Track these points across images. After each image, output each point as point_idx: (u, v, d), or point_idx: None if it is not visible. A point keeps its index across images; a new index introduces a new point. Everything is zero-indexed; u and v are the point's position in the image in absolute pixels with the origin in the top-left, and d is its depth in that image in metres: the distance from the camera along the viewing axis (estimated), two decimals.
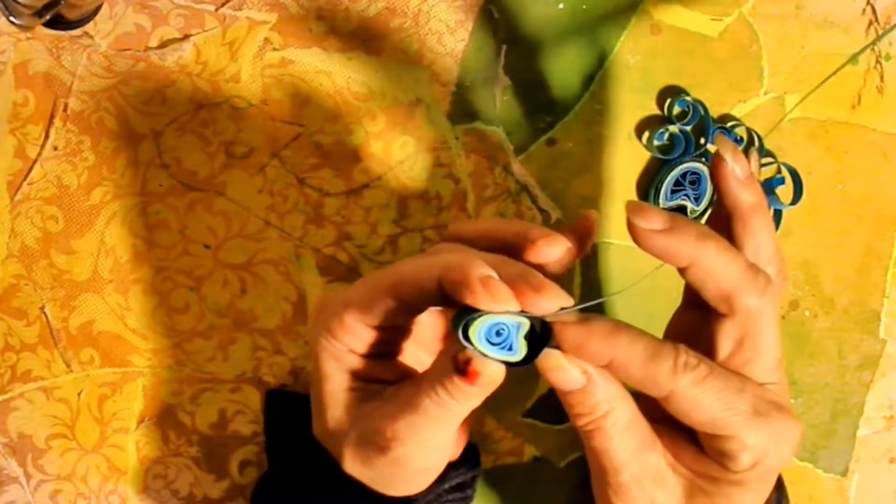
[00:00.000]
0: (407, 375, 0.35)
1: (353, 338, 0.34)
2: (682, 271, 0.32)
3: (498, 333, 0.30)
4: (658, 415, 0.34)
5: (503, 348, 0.30)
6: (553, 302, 0.30)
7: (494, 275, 0.30)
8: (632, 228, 0.32)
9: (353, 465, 0.35)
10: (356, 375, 0.35)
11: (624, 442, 0.32)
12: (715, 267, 0.32)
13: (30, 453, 0.46)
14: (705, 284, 0.32)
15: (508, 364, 0.30)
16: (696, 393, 0.31)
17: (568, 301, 0.30)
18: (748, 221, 0.34)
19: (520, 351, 0.30)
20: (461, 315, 0.30)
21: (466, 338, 0.30)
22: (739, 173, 0.34)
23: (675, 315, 0.38)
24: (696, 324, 0.34)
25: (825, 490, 0.50)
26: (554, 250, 0.32)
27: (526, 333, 0.31)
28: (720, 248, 0.32)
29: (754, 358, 0.33)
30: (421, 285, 0.31)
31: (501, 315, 0.30)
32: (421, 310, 0.33)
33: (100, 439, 0.46)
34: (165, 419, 0.46)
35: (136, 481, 0.46)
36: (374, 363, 0.35)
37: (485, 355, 0.30)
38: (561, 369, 0.31)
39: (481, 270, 0.30)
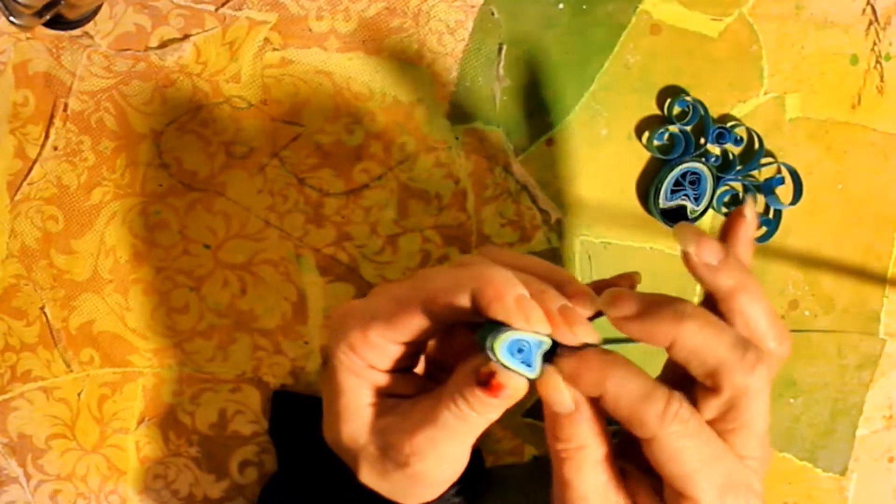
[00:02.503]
0: (424, 389, 0.35)
1: (375, 353, 0.33)
2: (667, 349, 0.32)
3: (520, 350, 0.31)
4: (631, 455, 0.34)
5: (522, 363, 0.31)
6: (582, 339, 0.31)
7: (528, 294, 0.30)
8: (609, 318, 0.32)
9: (369, 478, 0.34)
10: (375, 390, 0.34)
11: (590, 478, 0.32)
12: (696, 346, 0.31)
13: (30, 453, 0.46)
14: (688, 363, 0.31)
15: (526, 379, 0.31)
16: (679, 446, 0.31)
17: (595, 339, 0.31)
18: (731, 304, 0.33)
19: (537, 368, 0.31)
20: (488, 329, 0.30)
21: (492, 351, 0.30)
22: (710, 259, 0.32)
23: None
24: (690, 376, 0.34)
25: (824, 489, 0.50)
26: (585, 312, 0.32)
27: (544, 353, 0.31)
28: (701, 325, 0.31)
29: (737, 431, 0.32)
30: (453, 300, 0.31)
31: (527, 333, 0.30)
32: (447, 324, 0.33)
33: (100, 439, 0.46)
34: (165, 419, 0.46)
35: (136, 481, 0.46)
36: (392, 377, 0.34)
37: (508, 368, 0.30)
38: (557, 391, 0.31)
39: (517, 289, 0.30)
